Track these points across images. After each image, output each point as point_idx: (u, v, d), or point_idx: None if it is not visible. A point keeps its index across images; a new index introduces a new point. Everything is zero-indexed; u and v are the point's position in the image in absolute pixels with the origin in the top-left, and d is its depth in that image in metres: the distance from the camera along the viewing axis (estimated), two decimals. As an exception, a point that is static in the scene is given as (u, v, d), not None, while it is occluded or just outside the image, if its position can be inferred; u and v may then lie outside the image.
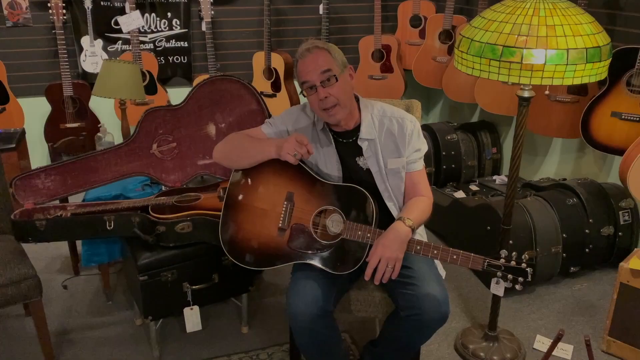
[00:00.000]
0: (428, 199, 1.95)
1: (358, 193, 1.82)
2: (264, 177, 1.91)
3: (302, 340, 1.86)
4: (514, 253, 1.75)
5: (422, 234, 2.04)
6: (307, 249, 1.83)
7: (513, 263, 1.73)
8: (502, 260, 1.74)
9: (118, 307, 2.68)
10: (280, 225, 1.86)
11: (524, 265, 1.72)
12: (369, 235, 1.76)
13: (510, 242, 2.51)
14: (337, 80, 1.80)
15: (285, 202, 1.87)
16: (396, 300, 1.87)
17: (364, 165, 1.93)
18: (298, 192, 1.87)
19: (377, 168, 1.91)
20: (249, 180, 1.93)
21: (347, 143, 1.94)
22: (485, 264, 1.73)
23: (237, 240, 1.91)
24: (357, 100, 1.96)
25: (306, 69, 1.81)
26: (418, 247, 1.76)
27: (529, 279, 1.71)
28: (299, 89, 1.92)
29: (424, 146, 1.96)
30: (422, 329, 1.83)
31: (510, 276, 1.72)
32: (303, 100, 1.91)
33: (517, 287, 1.73)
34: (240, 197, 1.92)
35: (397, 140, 1.91)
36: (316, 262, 1.81)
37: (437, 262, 1.99)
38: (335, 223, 1.82)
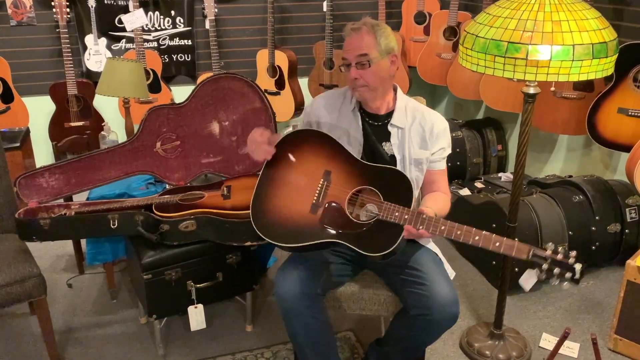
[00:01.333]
0: (447, 196, 1.97)
1: (398, 175, 1.79)
2: (302, 154, 1.89)
3: (287, 321, 1.86)
4: (560, 247, 1.62)
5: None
6: (340, 227, 1.77)
7: (560, 257, 1.59)
8: (549, 252, 1.60)
9: (122, 305, 2.68)
10: (314, 201, 1.82)
11: (571, 260, 1.58)
12: (406, 216, 1.68)
13: (516, 239, 2.49)
14: (370, 66, 1.82)
15: (322, 180, 1.84)
16: (405, 300, 1.86)
17: (389, 151, 1.94)
18: (336, 170, 1.85)
19: (401, 156, 1.92)
20: (288, 156, 1.89)
21: (376, 126, 1.95)
22: (531, 253, 1.59)
23: (266, 212, 1.85)
24: (395, 90, 1.97)
25: (347, 47, 1.84)
26: (459, 232, 1.65)
27: (577, 276, 1.56)
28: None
29: (449, 148, 1.98)
30: (430, 329, 1.83)
31: (557, 269, 1.58)
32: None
33: (564, 285, 1.59)
34: (276, 171, 1.89)
35: (425, 134, 1.93)
36: (346, 242, 1.74)
37: (445, 262, 1.98)
38: (371, 204, 1.77)
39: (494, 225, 2.74)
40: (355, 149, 1.93)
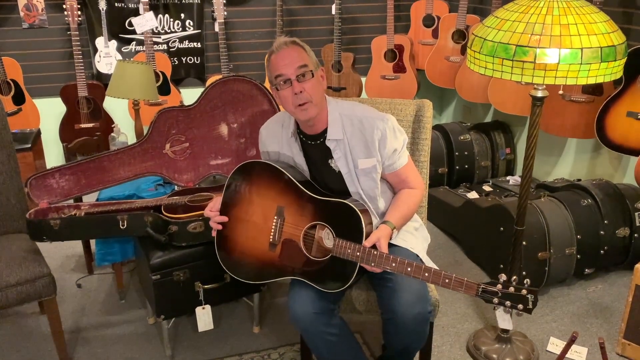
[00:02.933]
0: (418, 190, 1.92)
1: (347, 209, 1.74)
2: (255, 190, 1.89)
3: (308, 341, 1.87)
4: (514, 278, 1.61)
5: (425, 237, 2.02)
6: (298, 264, 1.80)
7: (512, 289, 1.57)
8: (499, 287, 1.58)
9: (131, 306, 2.70)
10: (271, 240, 1.85)
11: (524, 292, 1.56)
12: (358, 253, 1.69)
13: (524, 243, 2.49)
14: (312, 76, 1.76)
15: (276, 217, 1.85)
16: (379, 306, 1.86)
17: (336, 168, 1.87)
18: (288, 206, 1.84)
19: (347, 169, 1.85)
20: (242, 192, 1.91)
21: (317, 145, 1.89)
22: (480, 289, 1.60)
23: (231, 251, 1.93)
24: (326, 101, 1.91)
25: (282, 62, 1.75)
26: (409, 269, 1.66)
27: (530, 306, 1.56)
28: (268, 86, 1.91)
29: (399, 142, 1.86)
30: (400, 332, 1.80)
31: (508, 303, 1.57)
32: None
33: (517, 313, 1.58)
34: (234, 210, 1.92)
35: (367, 141, 1.83)
36: (306, 279, 1.78)
37: (429, 262, 1.94)
38: (328, 238, 1.78)
39: (502, 228, 2.74)
40: (303, 173, 1.91)
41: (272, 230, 1.85)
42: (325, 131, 1.85)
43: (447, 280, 1.62)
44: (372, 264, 1.67)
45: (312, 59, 1.79)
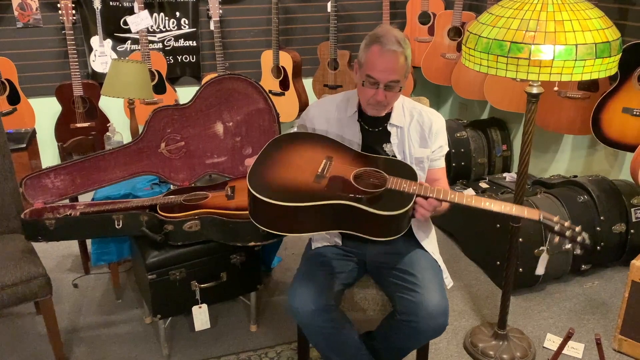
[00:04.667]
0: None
1: (400, 163, 1.82)
2: (302, 145, 1.87)
3: (309, 336, 1.87)
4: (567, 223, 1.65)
5: (434, 244, 2.04)
6: (347, 192, 1.66)
7: (567, 223, 1.64)
8: (557, 218, 1.65)
9: (127, 305, 2.69)
10: (318, 173, 1.73)
11: (578, 228, 1.63)
12: (414, 187, 1.66)
13: (520, 239, 2.49)
14: (399, 91, 1.83)
15: (325, 160, 1.80)
16: (395, 304, 1.86)
17: (390, 152, 1.94)
18: (337, 156, 1.82)
19: (402, 156, 1.93)
20: (288, 144, 1.87)
21: (376, 132, 1.95)
22: (542, 216, 1.64)
23: (265, 173, 1.71)
24: None
25: (380, 66, 1.76)
26: (470, 199, 1.65)
27: (587, 241, 1.62)
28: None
29: (446, 145, 1.99)
30: (415, 336, 1.82)
31: (568, 233, 1.61)
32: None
33: (577, 251, 1.63)
34: (277, 152, 1.80)
35: (424, 132, 1.93)
36: (355, 203, 1.61)
37: (445, 270, 1.97)
38: (378, 180, 1.72)
39: (498, 225, 2.74)
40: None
41: (319, 168, 1.76)
42: (387, 116, 1.94)
43: (506, 208, 1.65)
44: (431, 195, 1.65)
45: (408, 67, 1.82)
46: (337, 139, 1.94)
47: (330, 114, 1.99)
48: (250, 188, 1.63)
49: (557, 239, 1.64)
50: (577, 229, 1.64)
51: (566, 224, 1.64)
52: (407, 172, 1.77)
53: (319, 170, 1.74)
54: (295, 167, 1.75)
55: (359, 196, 1.64)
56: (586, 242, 1.62)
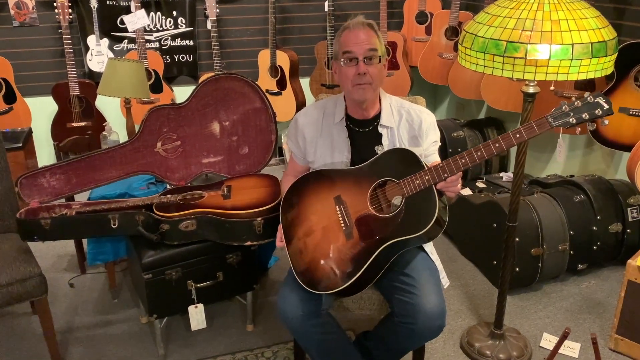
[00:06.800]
0: None
1: (396, 153, 1.80)
2: (309, 197, 1.88)
3: (299, 341, 1.88)
4: (575, 96, 1.61)
5: (431, 244, 2.04)
6: (381, 231, 1.71)
7: (578, 103, 1.58)
8: (565, 108, 1.58)
9: (123, 305, 2.69)
10: (344, 228, 1.78)
11: (590, 98, 1.57)
12: (427, 177, 1.66)
13: (517, 239, 2.49)
14: (379, 62, 1.81)
15: (337, 207, 1.81)
16: (392, 306, 1.85)
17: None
18: (343, 190, 1.83)
19: None
20: (297, 208, 1.89)
21: (365, 133, 1.94)
22: (551, 118, 1.59)
23: (314, 268, 1.77)
24: None
25: (355, 40, 1.79)
26: (479, 153, 1.61)
27: (606, 105, 1.55)
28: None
29: (438, 135, 1.97)
30: (413, 338, 1.81)
31: (585, 115, 1.57)
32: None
33: (603, 122, 1.58)
34: (297, 228, 1.86)
35: (414, 131, 1.92)
36: (399, 237, 1.68)
37: (442, 271, 1.97)
38: (393, 192, 1.74)
39: (495, 224, 2.74)
40: (342, 156, 1.93)
41: (341, 218, 1.80)
42: (376, 117, 1.93)
43: (518, 136, 1.60)
44: (446, 175, 1.64)
45: (382, 47, 1.83)
46: (328, 145, 1.95)
47: (319, 121, 1.99)
48: (304, 285, 1.76)
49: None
50: (588, 97, 1.56)
51: (576, 103, 1.57)
52: (408, 161, 1.74)
53: (341, 223, 1.79)
54: (323, 234, 1.80)
55: (393, 228, 1.70)
56: (604, 106, 1.55)
